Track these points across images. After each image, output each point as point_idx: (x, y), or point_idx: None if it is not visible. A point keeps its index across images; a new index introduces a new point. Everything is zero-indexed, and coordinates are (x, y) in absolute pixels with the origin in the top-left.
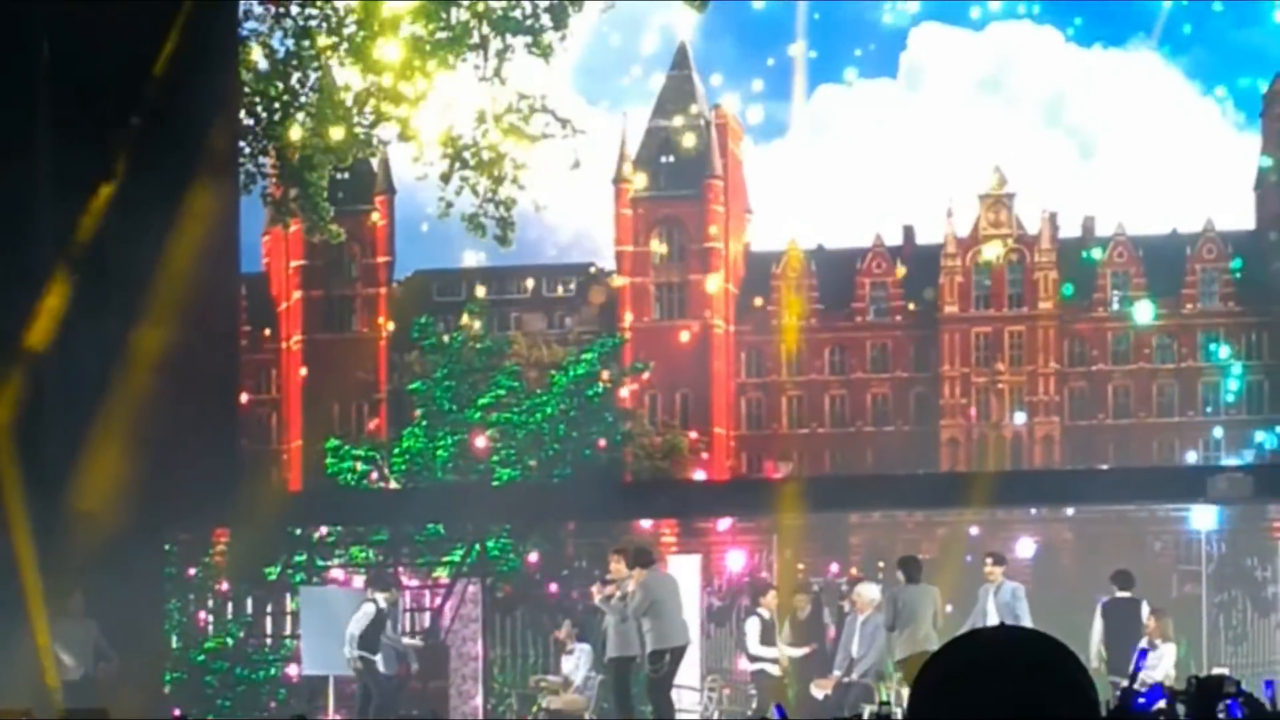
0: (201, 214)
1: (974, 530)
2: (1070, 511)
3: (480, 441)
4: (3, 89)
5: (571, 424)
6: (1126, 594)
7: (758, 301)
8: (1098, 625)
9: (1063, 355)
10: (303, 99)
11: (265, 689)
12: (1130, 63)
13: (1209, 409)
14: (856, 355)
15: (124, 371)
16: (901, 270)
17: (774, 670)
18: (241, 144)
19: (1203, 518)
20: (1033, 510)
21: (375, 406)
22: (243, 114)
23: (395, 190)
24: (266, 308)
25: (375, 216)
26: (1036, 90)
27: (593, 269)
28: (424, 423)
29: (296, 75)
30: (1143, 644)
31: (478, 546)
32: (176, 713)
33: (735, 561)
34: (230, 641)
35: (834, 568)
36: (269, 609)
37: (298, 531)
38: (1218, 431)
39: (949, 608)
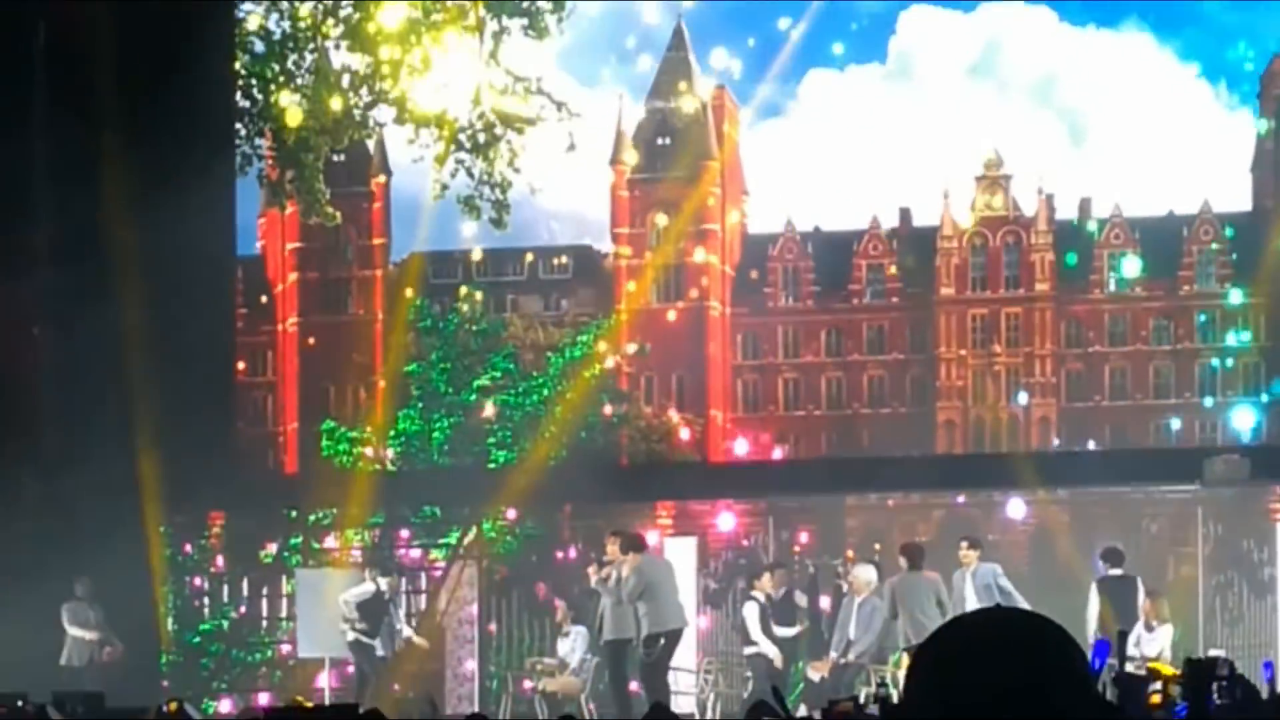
0: (198, 196)
1: (972, 511)
2: (1064, 493)
3: (488, 409)
4: (0, 74)
5: (567, 406)
6: (1118, 571)
7: (754, 275)
8: (1094, 602)
9: (1059, 337)
10: (299, 80)
11: (261, 671)
12: (1122, 43)
13: (1205, 391)
14: (853, 337)
15: (120, 354)
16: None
17: (770, 653)
18: (238, 125)
19: (1199, 499)
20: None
21: (371, 389)
22: (238, 95)
23: (391, 172)
24: (263, 290)
25: (371, 199)
26: (1029, 71)
27: (589, 251)
28: (419, 405)
29: (293, 57)
30: (1138, 628)
31: (474, 529)
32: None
33: (730, 543)
34: (226, 624)
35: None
36: (265, 591)
37: (293, 514)
38: (1214, 413)
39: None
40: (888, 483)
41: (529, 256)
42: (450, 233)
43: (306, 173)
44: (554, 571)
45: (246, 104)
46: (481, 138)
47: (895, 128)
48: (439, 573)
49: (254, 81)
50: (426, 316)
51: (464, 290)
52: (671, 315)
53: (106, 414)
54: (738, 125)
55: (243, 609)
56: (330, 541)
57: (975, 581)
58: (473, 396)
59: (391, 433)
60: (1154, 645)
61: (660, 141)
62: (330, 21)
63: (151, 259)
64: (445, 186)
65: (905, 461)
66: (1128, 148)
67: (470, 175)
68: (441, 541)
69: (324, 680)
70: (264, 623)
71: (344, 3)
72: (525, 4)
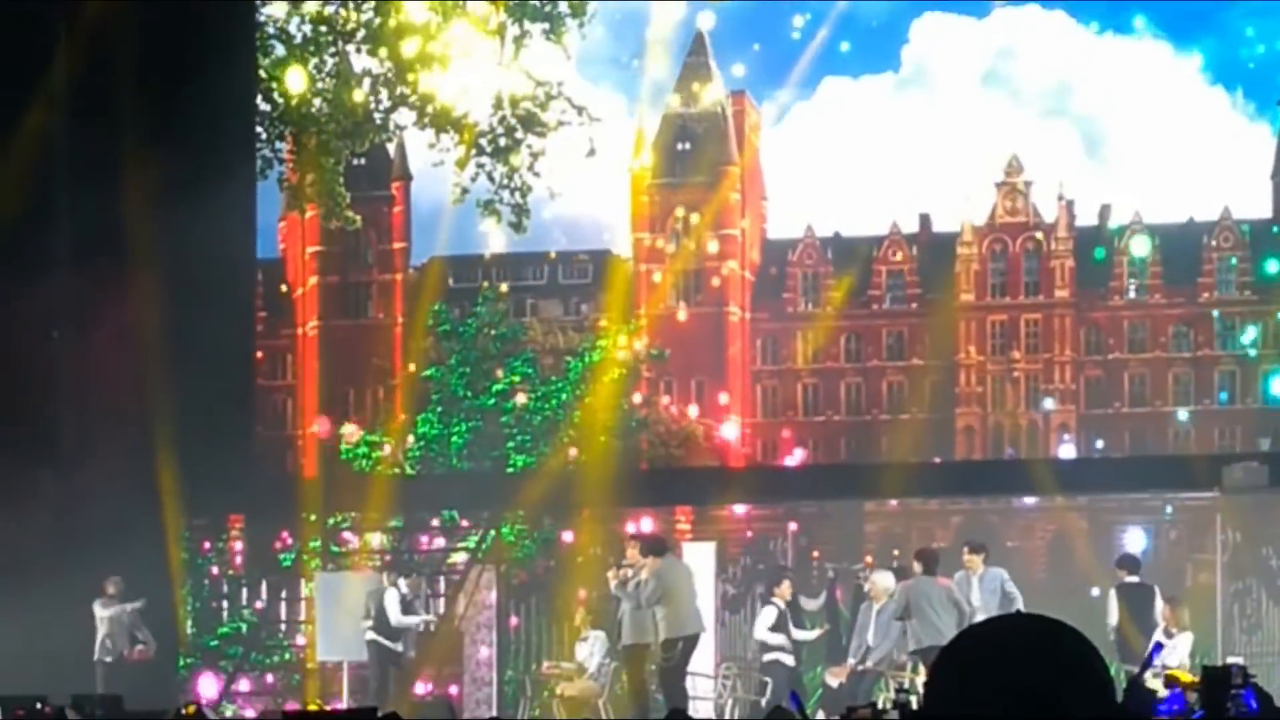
0: (218, 198)
1: (990, 518)
2: (1083, 500)
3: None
4: (21, 75)
5: (587, 411)
6: (1135, 579)
7: (772, 273)
8: (1113, 608)
9: (1079, 344)
10: (319, 85)
11: (280, 674)
12: (1139, 50)
13: (1225, 397)
14: (872, 343)
15: (139, 356)
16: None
17: (788, 659)
18: (258, 129)
19: (1218, 506)
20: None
21: (391, 393)
22: (259, 99)
23: (411, 177)
24: (283, 293)
25: (391, 203)
26: (1044, 78)
27: (609, 255)
28: (439, 409)
29: (314, 61)
30: (1158, 635)
31: (493, 532)
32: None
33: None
34: (245, 627)
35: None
36: (283, 594)
37: (312, 517)
38: (1234, 420)
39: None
40: (907, 489)
41: (549, 260)
42: (470, 237)
43: (327, 176)
44: (572, 575)
45: (267, 108)
46: (502, 141)
47: (911, 134)
48: (458, 576)
49: (274, 86)
50: (446, 321)
51: (484, 285)
52: (695, 321)
53: (126, 417)
54: (758, 130)
55: (260, 608)
56: (350, 544)
57: (983, 586)
58: (491, 401)
59: (411, 436)
60: (1174, 654)
61: (680, 146)
62: (353, 21)
63: (172, 261)
64: (465, 190)
65: (924, 467)
66: (1147, 155)
67: (491, 179)
68: (460, 545)
69: (343, 683)
70: (283, 626)
71: (365, 5)
72: (546, 8)
